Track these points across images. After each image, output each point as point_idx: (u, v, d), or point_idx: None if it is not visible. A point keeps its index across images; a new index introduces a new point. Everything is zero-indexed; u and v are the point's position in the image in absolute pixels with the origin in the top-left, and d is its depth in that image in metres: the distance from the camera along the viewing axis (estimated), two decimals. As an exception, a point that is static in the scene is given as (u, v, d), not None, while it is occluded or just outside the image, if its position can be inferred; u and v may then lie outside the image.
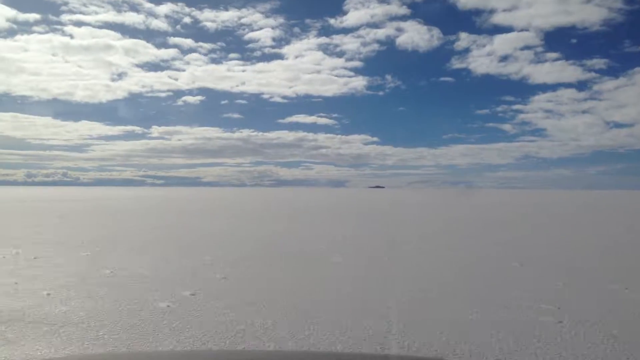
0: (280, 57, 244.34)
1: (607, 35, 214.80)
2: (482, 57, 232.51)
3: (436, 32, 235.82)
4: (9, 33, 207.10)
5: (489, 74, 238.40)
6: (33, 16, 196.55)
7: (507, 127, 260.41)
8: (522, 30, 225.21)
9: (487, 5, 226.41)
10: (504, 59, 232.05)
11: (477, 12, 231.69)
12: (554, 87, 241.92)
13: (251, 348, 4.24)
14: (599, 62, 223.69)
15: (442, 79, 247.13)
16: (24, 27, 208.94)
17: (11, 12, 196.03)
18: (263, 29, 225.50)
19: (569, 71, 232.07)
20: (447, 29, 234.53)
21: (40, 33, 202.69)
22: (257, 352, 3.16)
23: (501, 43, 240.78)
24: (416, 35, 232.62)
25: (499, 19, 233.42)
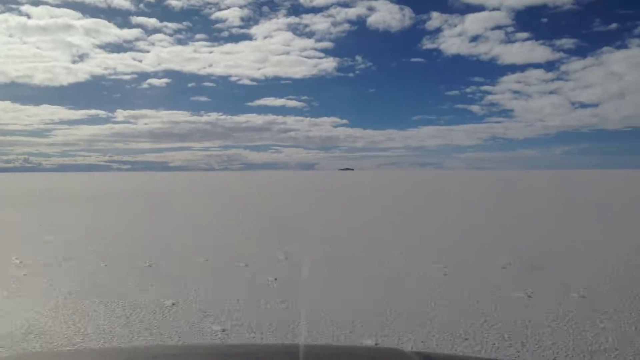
0: (248, 37, 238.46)
1: (578, 14, 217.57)
2: (453, 37, 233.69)
3: (408, 11, 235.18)
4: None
5: (460, 55, 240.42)
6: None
7: (475, 108, 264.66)
8: (493, 9, 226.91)
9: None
10: (475, 39, 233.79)
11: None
12: (522, 67, 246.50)
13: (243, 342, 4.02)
14: (568, 42, 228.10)
15: (413, 59, 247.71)
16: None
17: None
18: (231, 8, 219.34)
19: (539, 51, 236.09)
20: (419, 8, 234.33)
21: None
22: (247, 345, 3.16)
23: (472, 22, 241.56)
24: (387, 15, 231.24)
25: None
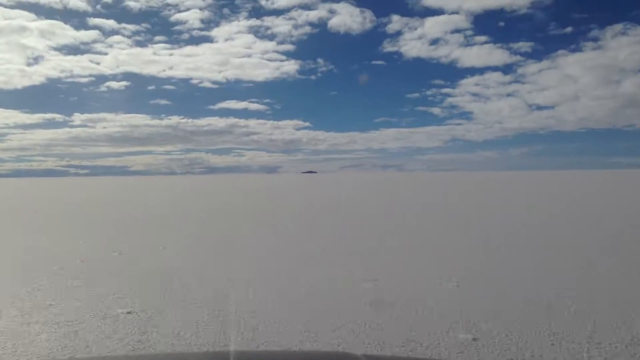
0: (209, 40, 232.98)
1: (534, 18, 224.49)
2: (414, 41, 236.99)
3: (369, 14, 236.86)
4: None
5: (420, 58, 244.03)
6: None
7: (436, 110, 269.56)
8: (452, 12, 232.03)
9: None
10: (435, 42, 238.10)
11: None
12: (481, 70, 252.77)
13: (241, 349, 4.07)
14: (524, 45, 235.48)
15: (374, 62, 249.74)
16: None
17: None
18: (191, 10, 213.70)
19: (496, 54, 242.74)
20: (379, 11, 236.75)
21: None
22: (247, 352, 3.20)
23: (432, 26, 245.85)
24: (348, 18, 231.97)
25: (430, 1, 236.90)
